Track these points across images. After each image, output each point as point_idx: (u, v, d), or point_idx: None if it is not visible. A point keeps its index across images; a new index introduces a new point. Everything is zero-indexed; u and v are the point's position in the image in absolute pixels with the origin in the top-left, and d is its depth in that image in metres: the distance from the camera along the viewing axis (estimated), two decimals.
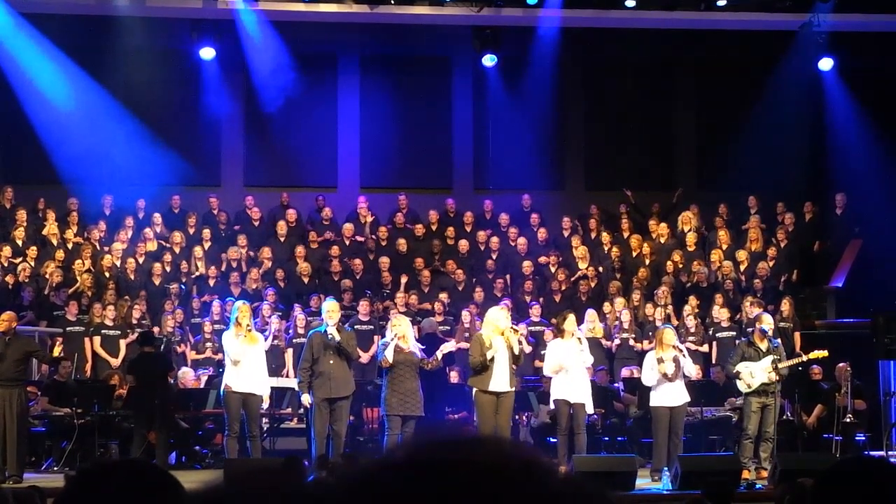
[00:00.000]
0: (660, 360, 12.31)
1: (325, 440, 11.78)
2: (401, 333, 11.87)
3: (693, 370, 12.66)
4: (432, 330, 15.09)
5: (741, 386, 12.50)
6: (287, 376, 15.11)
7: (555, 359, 12.30)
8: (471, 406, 12.65)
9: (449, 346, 12.71)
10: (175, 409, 13.75)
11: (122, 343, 15.55)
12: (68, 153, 17.95)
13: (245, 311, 12.22)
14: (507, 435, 11.91)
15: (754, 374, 12.36)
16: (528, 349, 14.68)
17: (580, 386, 12.28)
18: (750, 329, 13.04)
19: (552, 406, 12.72)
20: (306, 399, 11.94)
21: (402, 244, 17.94)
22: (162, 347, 14.76)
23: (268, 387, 12.43)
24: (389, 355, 11.80)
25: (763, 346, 12.49)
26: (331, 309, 12.19)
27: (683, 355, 12.50)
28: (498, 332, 11.83)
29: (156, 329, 15.61)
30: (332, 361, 11.83)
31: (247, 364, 12.07)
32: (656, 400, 12.32)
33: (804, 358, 13.33)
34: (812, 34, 17.96)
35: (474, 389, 11.90)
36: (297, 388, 12.77)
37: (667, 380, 12.26)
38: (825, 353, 13.21)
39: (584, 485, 1.38)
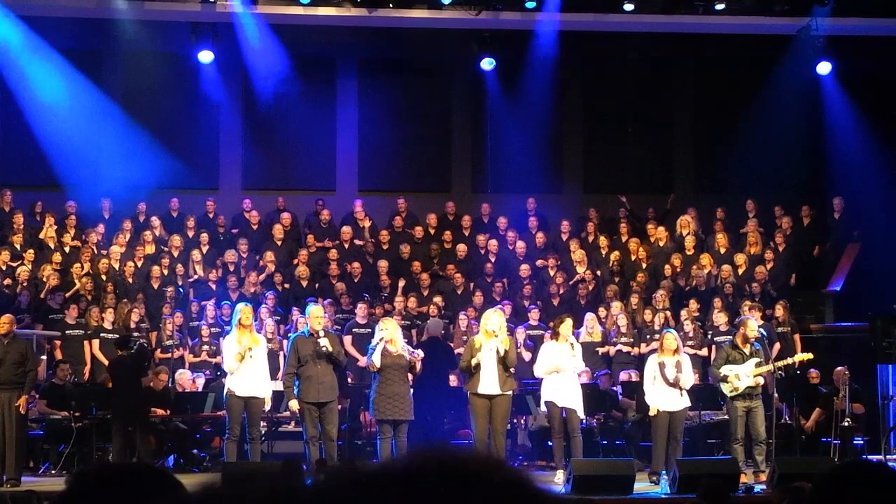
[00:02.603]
0: (661, 365, 12.30)
1: (318, 443, 11.75)
2: (388, 337, 11.79)
3: (689, 381, 12.53)
4: (436, 333, 14.88)
5: (726, 389, 12.44)
6: None
7: (547, 360, 12.31)
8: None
9: (420, 353, 12.52)
10: (150, 410, 13.73)
11: None
12: (67, 156, 17.96)
13: (247, 313, 12.19)
14: (501, 438, 11.91)
15: (740, 377, 12.35)
16: (527, 356, 14.64)
17: (570, 390, 12.29)
18: (741, 331, 12.94)
19: (543, 408, 12.73)
20: (294, 405, 11.85)
21: (401, 248, 17.91)
22: (134, 349, 14.59)
23: (270, 389, 12.39)
24: (377, 359, 11.77)
25: (746, 349, 12.48)
26: (317, 315, 11.99)
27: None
28: (489, 335, 11.84)
29: (154, 333, 15.63)
30: (320, 367, 11.78)
31: (249, 366, 11.99)
32: (656, 404, 12.29)
33: (789, 361, 13.36)
34: (810, 38, 17.98)
35: (468, 393, 11.93)
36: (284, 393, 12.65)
37: (668, 385, 12.25)
38: (810, 355, 13.25)
39: (567, 498, 1.39)
